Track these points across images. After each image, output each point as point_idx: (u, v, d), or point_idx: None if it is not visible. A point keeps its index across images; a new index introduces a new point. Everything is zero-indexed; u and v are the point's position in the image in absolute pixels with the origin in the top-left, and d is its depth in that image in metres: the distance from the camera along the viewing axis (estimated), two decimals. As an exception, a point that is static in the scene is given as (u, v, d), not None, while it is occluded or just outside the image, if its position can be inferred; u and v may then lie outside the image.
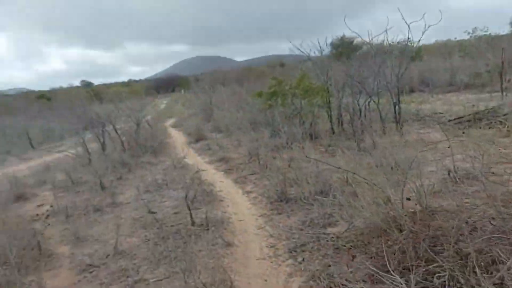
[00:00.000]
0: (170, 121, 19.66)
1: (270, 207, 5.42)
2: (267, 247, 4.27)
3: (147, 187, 7.07)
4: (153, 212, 5.45)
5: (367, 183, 4.22)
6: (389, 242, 3.83)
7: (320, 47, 10.35)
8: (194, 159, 9.35)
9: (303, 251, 4.02)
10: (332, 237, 4.16)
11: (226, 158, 8.78)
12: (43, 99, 38.96)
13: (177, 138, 13.64)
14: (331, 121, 9.64)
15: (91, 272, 4.05)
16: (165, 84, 55.06)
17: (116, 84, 63.21)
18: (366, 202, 4.10)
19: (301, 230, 4.49)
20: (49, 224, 5.77)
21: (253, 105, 12.32)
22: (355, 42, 25.84)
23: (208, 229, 4.71)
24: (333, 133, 9.50)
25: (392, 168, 5.40)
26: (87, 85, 58.99)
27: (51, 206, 6.61)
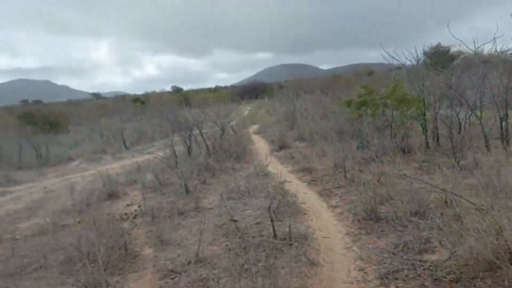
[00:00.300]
0: (254, 128, 19.82)
1: (357, 225, 5.04)
2: (355, 270, 3.93)
3: (229, 193, 7.03)
4: (235, 221, 5.34)
5: (477, 208, 3.69)
6: (500, 279, 3.33)
7: (417, 55, 9.67)
8: (276, 167, 9.19)
9: (396, 278, 3.63)
10: (430, 266, 3.72)
11: (310, 169, 8.50)
12: (138, 103, 41.59)
13: (260, 145, 13.62)
14: (426, 135, 8.93)
15: (172, 278, 4.02)
16: (250, 91, 56.07)
17: (203, 90, 65.86)
18: (472, 228, 3.60)
19: (394, 254, 4.09)
20: (136, 225, 5.94)
21: (339, 114, 11.89)
22: (451, 51, 24.11)
23: (291, 244, 4.47)
24: (428, 147, 8.79)
25: (501, 191, 4.75)
26: (177, 90, 62.15)
27: (139, 206, 6.84)
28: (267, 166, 8.76)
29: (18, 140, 17.07)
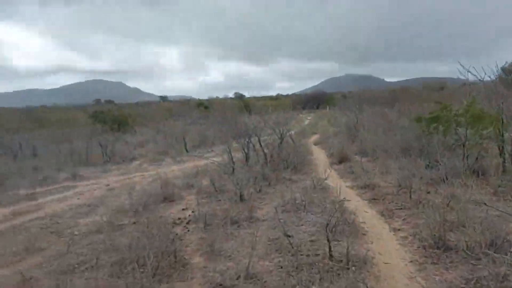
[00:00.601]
0: (313, 138, 19.43)
1: (423, 252, 4.59)
2: (419, 304, 3.53)
3: (285, 205, 6.79)
4: (289, 236, 5.09)
5: None
6: None
7: (496, 70, 8.89)
8: (335, 181, 8.81)
9: (467, 320, 3.19)
10: (509, 310, 3.24)
11: (371, 185, 8.03)
12: (201, 107, 42.61)
13: (319, 156, 13.25)
14: (503, 157, 8.14)
15: (220, 293, 3.85)
16: (311, 100, 55.54)
17: (265, 97, 66.25)
18: None
19: (465, 291, 3.63)
20: (188, 230, 5.88)
21: (406, 129, 11.25)
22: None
23: (348, 268, 4.13)
24: (504, 171, 7.99)
25: None
26: (239, 97, 63.04)
27: (193, 211, 6.79)
28: (325, 179, 8.43)
29: (87, 137, 18.07)
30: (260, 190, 8.05)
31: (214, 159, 11.23)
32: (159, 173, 10.25)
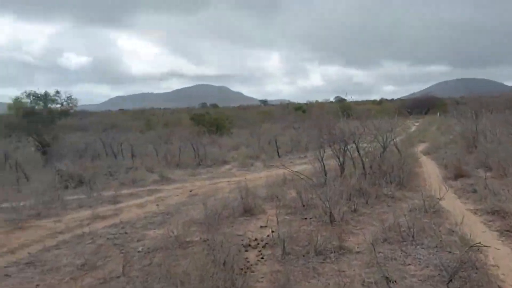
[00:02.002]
0: (421, 147, 17.22)
1: None
2: None
3: (386, 232, 5.41)
4: (390, 281, 3.78)
5: None
6: None
7: None
8: (452, 202, 7.12)
9: None
10: None
11: (502, 211, 6.24)
12: (299, 111, 41.73)
13: (429, 169, 11.35)
14: None
15: None
16: (419, 105, 51.30)
17: (367, 101, 63.13)
18: None
19: None
20: (263, 257, 4.83)
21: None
22: None
23: None
24: None
25: None
26: (340, 101, 60.88)
27: (273, 231, 5.73)
28: (439, 200, 6.80)
29: (184, 139, 18.12)
30: (355, 210, 6.71)
31: (305, 166, 10.10)
32: (243, 181, 9.41)
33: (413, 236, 5.17)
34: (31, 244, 5.86)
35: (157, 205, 8.20)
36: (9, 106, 15.91)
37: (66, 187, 10.16)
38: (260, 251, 5.09)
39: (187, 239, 5.57)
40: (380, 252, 4.60)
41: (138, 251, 5.30)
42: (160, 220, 6.99)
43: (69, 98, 16.88)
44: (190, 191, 9.63)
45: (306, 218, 6.50)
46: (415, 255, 4.62)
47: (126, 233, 6.22)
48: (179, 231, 5.73)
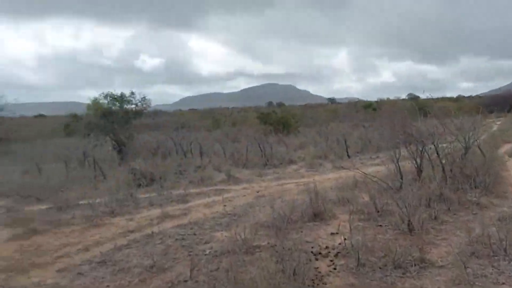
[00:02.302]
0: (506, 148, 15.74)
1: None
2: None
3: (473, 244, 4.86)
4: (483, 304, 3.33)
5: None
6: None
7: None
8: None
9: None
10: None
11: None
12: (369, 109, 40.38)
13: (518, 172, 10.28)
14: None
15: None
16: (500, 102, 47.36)
17: (443, 99, 59.55)
18: None
19: None
20: (335, 268, 4.52)
21: None
22: None
23: None
24: None
25: None
26: (413, 98, 57.99)
27: (345, 239, 5.39)
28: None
29: (251, 138, 18.16)
30: (435, 217, 6.14)
31: (378, 167, 9.56)
32: (311, 182, 9.10)
33: (505, 250, 4.58)
34: (104, 242, 6.03)
35: (224, 205, 8.14)
36: (88, 107, 16.88)
37: (139, 185, 10.48)
38: (331, 260, 4.79)
39: (255, 244, 5.41)
40: (467, 267, 4.11)
41: (205, 254, 5.23)
42: (227, 221, 6.91)
43: (143, 99, 17.55)
44: (257, 192, 9.50)
45: (381, 225, 6.07)
46: (509, 273, 4.07)
47: (194, 234, 6.19)
48: (247, 234, 5.58)
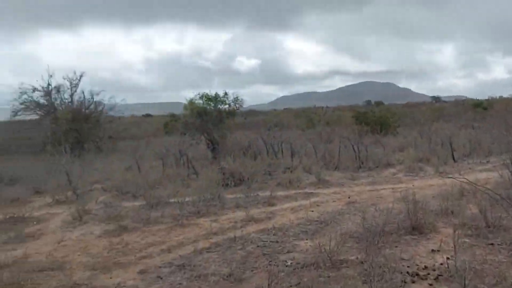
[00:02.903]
0: None
1: None
2: None
3: None
4: None
5: None
6: None
7: None
8: None
9: None
10: None
11: None
12: (479, 108, 36.80)
13: None
14: None
15: None
16: None
17: None
18: None
19: None
20: (432, 295, 3.85)
21: None
22: None
23: None
24: None
25: None
26: (532, 95, 51.55)
27: (448, 258, 4.64)
28: None
29: (345, 138, 17.37)
30: None
31: (489, 174, 8.35)
32: (410, 189, 8.23)
33: None
34: (187, 244, 5.97)
35: (312, 211, 7.69)
36: (185, 107, 17.56)
37: (227, 185, 10.48)
38: (431, 284, 4.10)
39: (341, 257, 4.89)
40: None
41: (286, 265, 4.85)
42: (314, 229, 6.45)
43: (236, 99, 17.78)
44: (348, 198, 8.88)
45: (492, 244, 5.16)
46: None
47: (277, 241, 5.85)
48: (333, 246, 5.08)
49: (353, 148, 14.72)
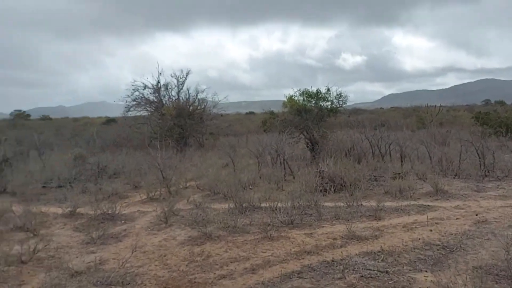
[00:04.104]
0: None
1: None
2: None
3: None
4: None
5: None
6: None
7: None
8: None
9: None
10: None
11: None
12: None
13: None
14: None
15: None
16: None
17: None
18: None
19: None
20: None
21: None
22: None
23: None
24: None
25: None
26: None
27: None
28: None
29: (465, 141, 15.06)
30: None
31: None
32: None
33: None
34: (274, 264, 5.02)
35: (430, 230, 6.24)
36: (284, 104, 16.72)
37: (325, 191, 9.35)
38: None
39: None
40: None
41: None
42: (435, 257, 5.07)
43: (339, 95, 16.47)
44: (476, 215, 7.19)
45: None
46: None
47: (386, 271, 4.62)
48: (467, 284, 3.74)
49: (477, 153, 12.52)
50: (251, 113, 65.74)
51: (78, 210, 8.18)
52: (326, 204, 8.08)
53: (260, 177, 11.98)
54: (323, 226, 6.64)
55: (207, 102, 25.81)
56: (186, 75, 25.35)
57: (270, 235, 6.09)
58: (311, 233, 6.24)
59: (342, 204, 8.09)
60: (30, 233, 6.57)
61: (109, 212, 7.62)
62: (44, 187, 11.33)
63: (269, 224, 6.52)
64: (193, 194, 10.12)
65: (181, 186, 10.98)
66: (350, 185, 9.50)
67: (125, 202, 9.60)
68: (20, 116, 53.85)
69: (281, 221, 6.72)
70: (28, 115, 56.66)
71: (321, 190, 9.29)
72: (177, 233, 6.47)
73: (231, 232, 6.36)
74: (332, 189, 9.32)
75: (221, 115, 28.71)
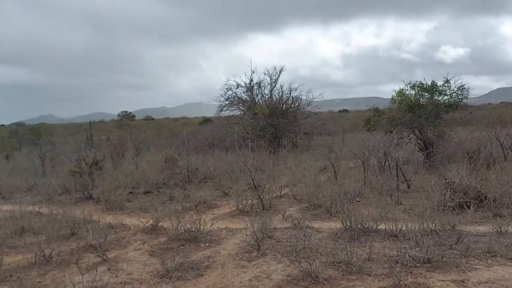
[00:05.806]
0: None
1: None
2: None
3: None
4: None
5: None
6: None
7: None
8: None
9: None
10: None
11: None
12: None
13: None
14: None
15: None
16: None
17: None
18: None
19: None
20: None
21: None
22: None
23: None
24: None
25: None
26: None
27: None
28: None
29: None
30: None
31: None
32: None
33: None
34: None
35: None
36: (393, 99, 14.52)
37: (462, 208, 7.22)
38: None
39: None
40: None
41: None
42: None
43: (460, 88, 13.86)
44: None
45: None
46: None
47: None
48: None
49: None
50: (345, 110, 62.94)
51: (160, 223, 7.13)
52: (467, 228, 6.02)
53: (365, 184, 10.13)
54: (476, 268, 4.64)
55: (301, 100, 24.38)
56: (280, 72, 24.14)
57: (403, 282, 4.26)
58: (463, 281, 4.31)
59: (487, 228, 5.99)
60: (100, 255, 5.56)
61: (193, 229, 6.41)
62: (131, 192, 10.67)
63: (397, 261, 4.74)
64: (289, 206, 8.63)
65: (274, 195, 9.57)
66: (494, 200, 7.25)
67: (212, 213, 8.45)
68: (126, 117, 57.39)
69: (412, 258, 4.87)
70: (134, 116, 60.14)
71: (453, 208, 7.20)
72: (272, 268, 4.96)
73: (344, 271, 4.65)
74: (472, 207, 7.11)
75: (316, 113, 27.00)
